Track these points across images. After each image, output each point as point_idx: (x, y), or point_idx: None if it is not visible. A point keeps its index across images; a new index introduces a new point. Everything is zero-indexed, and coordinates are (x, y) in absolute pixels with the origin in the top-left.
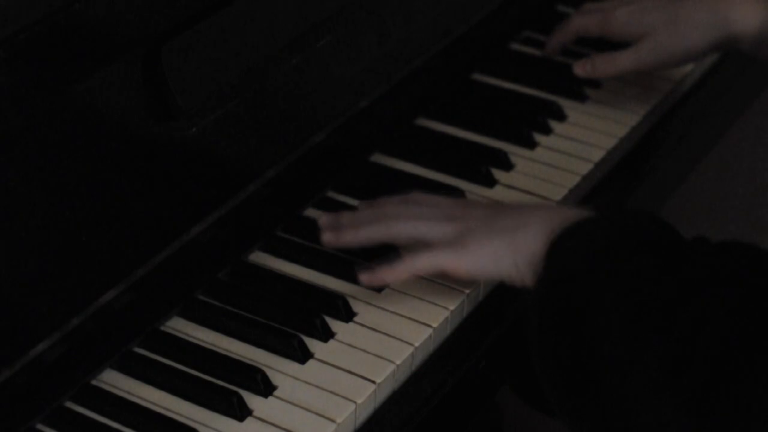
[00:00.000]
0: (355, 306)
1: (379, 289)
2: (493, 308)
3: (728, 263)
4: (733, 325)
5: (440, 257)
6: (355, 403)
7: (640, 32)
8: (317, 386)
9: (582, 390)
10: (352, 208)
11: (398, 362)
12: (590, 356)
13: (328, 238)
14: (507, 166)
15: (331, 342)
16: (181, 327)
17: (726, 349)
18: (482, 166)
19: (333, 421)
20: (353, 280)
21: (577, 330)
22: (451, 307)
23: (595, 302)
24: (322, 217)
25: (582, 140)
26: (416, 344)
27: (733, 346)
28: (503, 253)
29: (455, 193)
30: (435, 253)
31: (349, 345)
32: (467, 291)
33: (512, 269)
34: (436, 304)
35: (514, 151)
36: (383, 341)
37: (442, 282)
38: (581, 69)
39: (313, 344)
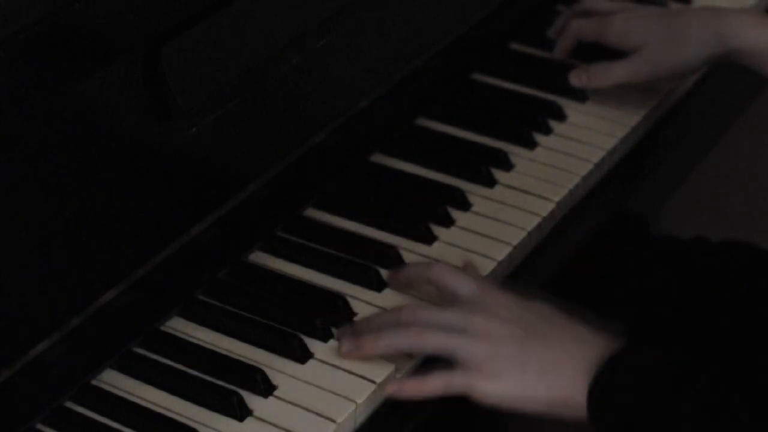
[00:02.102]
0: (355, 306)
1: (379, 289)
2: None
3: (728, 263)
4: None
5: (472, 384)
6: (355, 403)
7: (635, 43)
8: (317, 386)
9: None
10: (351, 207)
11: (398, 362)
12: None
13: (347, 348)
14: (507, 166)
15: (331, 342)
16: (181, 327)
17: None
18: (482, 166)
19: (333, 421)
20: (353, 280)
21: None
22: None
23: None
24: (339, 329)
25: (582, 140)
26: None
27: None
28: (535, 392)
29: (455, 193)
30: (468, 379)
31: None
32: None
33: (543, 408)
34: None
35: (514, 151)
36: None
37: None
38: (577, 79)
39: (313, 344)
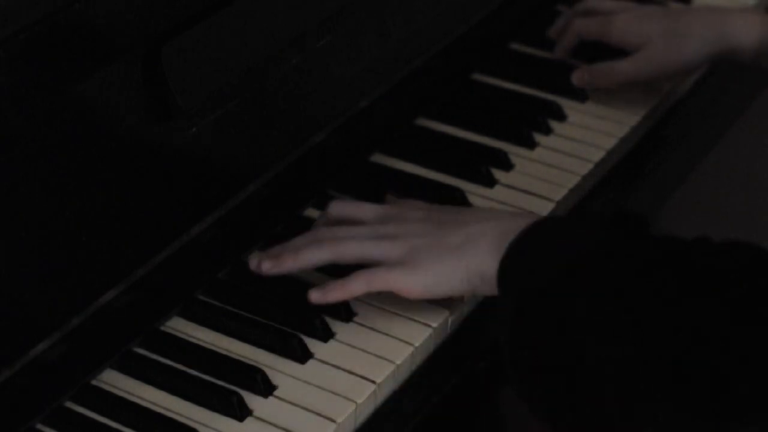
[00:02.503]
0: (355, 306)
1: None
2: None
3: (730, 263)
4: (733, 326)
5: (393, 277)
6: (355, 403)
7: (637, 42)
8: (317, 386)
9: (573, 404)
10: None
11: (398, 362)
12: (578, 367)
13: (266, 266)
14: (507, 166)
15: (331, 342)
16: (181, 327)
17: (726, 350)
18: (482, 166)
19: (333, 421)
20: None
21: (557, 346)
22: (452, 307)
23: (575, 313)
24: (254, 253)
25: (582, 140)
26: (416, 344)
27: (733, 348)
28: (454, 272)
29: (455, 193)
30: (388, 273)
31: (349, 345)
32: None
33: (465, 286)
34: (436, 304)
35: (514, 151)
36: (383, 341)
37: None
38: (578, 79)
39: (313, 344)
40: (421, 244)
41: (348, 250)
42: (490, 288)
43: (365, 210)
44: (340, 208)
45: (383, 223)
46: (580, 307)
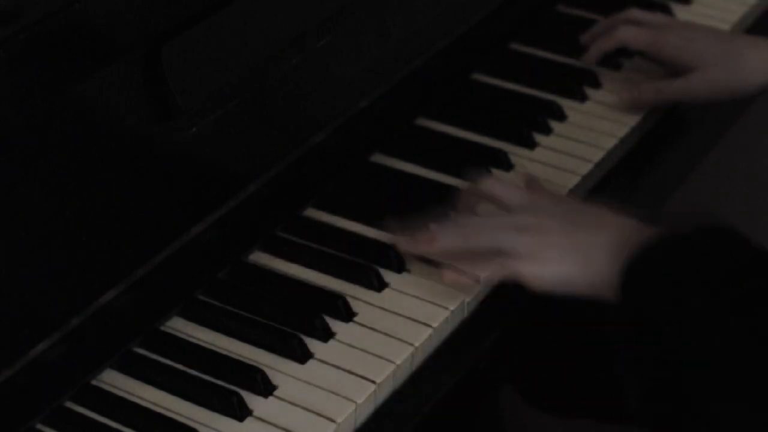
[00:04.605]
0: (355, 306)
1: (379, 289)
2: (495, 308)
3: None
4: None
5: (523, 268)
6: (355, 403)
7: (691, 62)
8: (317, 386)
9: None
10: (351, 207)
11: (398, 362)
12: (693, 376)
13: (405, 244)
14: (507, 166)
15: (331, 342)
16: (181, 327)
17: None
18: (482, 166)
19: (333, 421)
20: (353, 280)
21: (671, 357)
22: (452, 307)
23: (688, 328)
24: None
25: (582, 140)
26: (416, 344)
27: None
28: (580, 274)
29: (456, 193)
30: (519, 263)
31: (349, 345)
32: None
33: (587, 289)
34: (436, 304)
35: (514, 151)
36: (383, 341)
37: (442, 282)
38: (628, 93)
39: (313, 344)
40: (552, 241)
41: (482, 241)
42: (614, 295)
43: (511, 195)
44: (490, 185)
45: (519, 213)
46: (698, 324)
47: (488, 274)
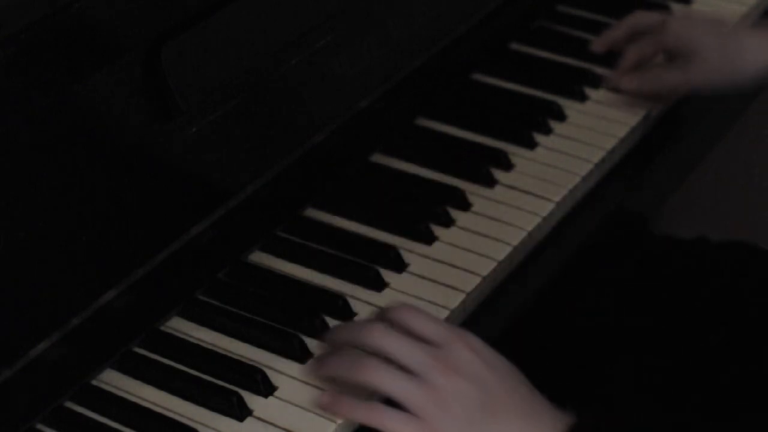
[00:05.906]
0: (355, 306)
1: (379, 289)
2: (494, 308)
3: (728, 263)
4: None
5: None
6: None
7: (690, 48)
8: (317, 386)
9: None
10: (351, 207)
11: None
12: None
13: (311, 367)
14: (507, 166)
15: None
16: (181, 327)
17: None
18: (482, 166)
19: (333, 421)
20: (353, 280)
21: None
22: (452, 307)
23: None
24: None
25: (582, 140)
26: None
27: None
28: None
29: (455, 193)
30: (404, 425)
31: None
32: (468, 291)
33: None
34: (436, 304)
35: (514, 151)
36: None
37: (443, 282)
38: (628, 82)
39: (313, 344)
40: (452, 417)
41: (385, 385)
42: None
43: (427, 329)
44: (403, 315)
45: (436, 359)
46: None
47: (375, 421)
